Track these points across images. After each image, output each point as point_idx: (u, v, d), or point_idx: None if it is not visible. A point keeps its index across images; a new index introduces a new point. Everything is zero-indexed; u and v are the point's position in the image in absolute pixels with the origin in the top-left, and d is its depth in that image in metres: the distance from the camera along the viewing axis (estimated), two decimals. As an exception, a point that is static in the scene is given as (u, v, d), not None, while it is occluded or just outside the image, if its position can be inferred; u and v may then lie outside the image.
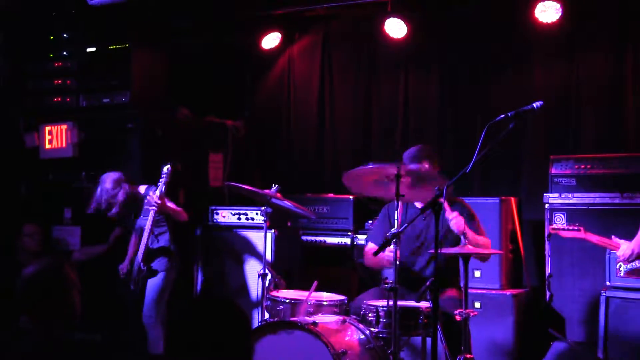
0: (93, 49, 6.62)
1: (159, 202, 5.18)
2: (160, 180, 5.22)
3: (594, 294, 4.99)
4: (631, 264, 4.73)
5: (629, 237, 4.65)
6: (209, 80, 7.13)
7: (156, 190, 5.24)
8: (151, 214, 5.23)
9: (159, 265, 5.37)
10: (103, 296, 5.52)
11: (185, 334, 2.12)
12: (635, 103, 5.69)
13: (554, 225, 4.67)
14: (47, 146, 6.65)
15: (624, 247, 4.20)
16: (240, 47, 7.21)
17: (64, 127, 6.56)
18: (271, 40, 7.03)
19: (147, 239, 5.29)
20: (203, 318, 2.14)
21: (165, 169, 5.22)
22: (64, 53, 6.75)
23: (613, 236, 4.30)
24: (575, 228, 4.38)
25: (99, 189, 5.43)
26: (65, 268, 2.92)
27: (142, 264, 5.29)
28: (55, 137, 6.60)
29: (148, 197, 5.27)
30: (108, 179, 5.43)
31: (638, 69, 5.69)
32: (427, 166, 4.46)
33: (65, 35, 6.75)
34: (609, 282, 4.83)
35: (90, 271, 5.55)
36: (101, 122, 6.54)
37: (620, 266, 4.79)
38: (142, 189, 5.53)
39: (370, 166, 4.03)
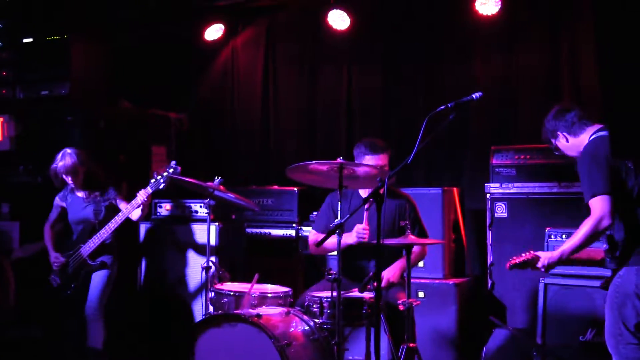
0: (30, 40, 6.46)
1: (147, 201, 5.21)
2: (161, 178, 5.15)
3: (534, 282, 5.09)
4: None
5: (568, 224, 4.81)
6: (152, 72, 7.02)
7: (148, 187, 5.17)
8: (127, 211, 5.20)
9: (106, 260, 5.32)
10: (43, 291, 5.40)
11: (127, 328, 2.10)
12: (571, 94, 5.81)
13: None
14: (-17, 139, 6.48)
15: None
16: (183, 38, 7.11)
17: (0, 120, 6.39)
18: (214, 32, 6.96)
19: (106, 235, 5.23)
20: (145, 312, 2.12)
21: (172, 163, 5.16)
22: (-1, 43, 6.58)
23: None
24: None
25: (59, 162, 5.37)
26: (1, 265, 2.86)
27: (88, 258, 5.24)
28: (-9, 130, 6.44)
29: (119, 199, 5.34)
30: (69, 155, 5.38)
31: (573, 60, 5.81)
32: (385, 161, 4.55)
33: (0, 25, 6.56)
34: (548, 269, 4.93)
35: (30, 266, 5.43)
36: (40, 114, 6.39)
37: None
38: None
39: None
